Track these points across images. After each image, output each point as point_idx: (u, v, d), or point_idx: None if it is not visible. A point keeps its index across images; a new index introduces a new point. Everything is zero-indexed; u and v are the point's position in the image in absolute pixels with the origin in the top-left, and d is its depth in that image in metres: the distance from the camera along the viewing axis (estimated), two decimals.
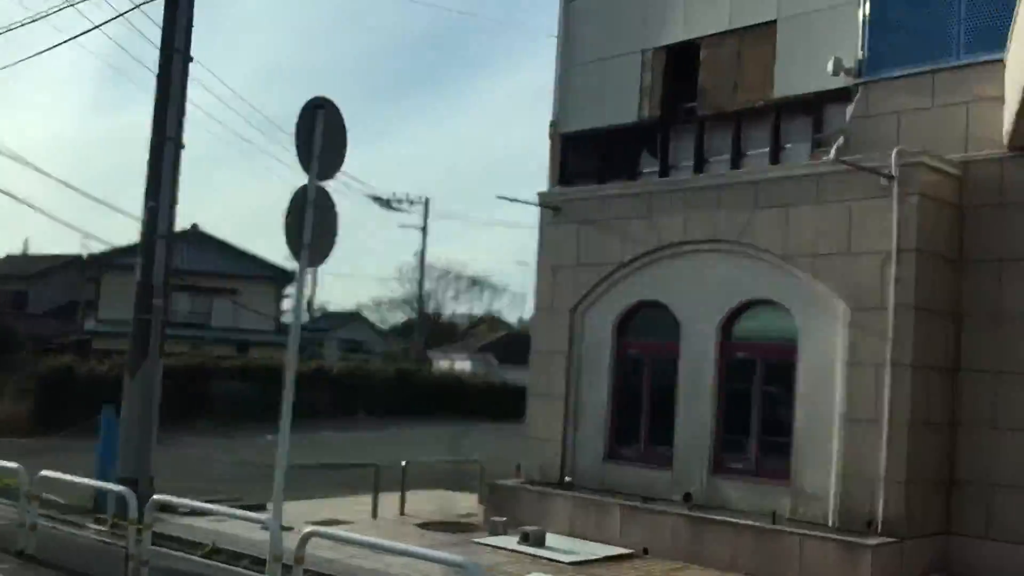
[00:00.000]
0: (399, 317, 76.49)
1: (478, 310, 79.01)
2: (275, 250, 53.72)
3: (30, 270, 51.07)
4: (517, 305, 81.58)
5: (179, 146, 13.41)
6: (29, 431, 24.48)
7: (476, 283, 78.68)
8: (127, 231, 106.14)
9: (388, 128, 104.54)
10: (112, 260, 43.11)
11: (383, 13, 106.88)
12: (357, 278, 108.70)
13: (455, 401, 38.50)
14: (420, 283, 46.80)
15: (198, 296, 44.82)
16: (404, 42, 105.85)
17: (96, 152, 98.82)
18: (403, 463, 14.51)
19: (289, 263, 54.41)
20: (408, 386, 39.30)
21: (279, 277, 46.97)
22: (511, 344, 52.29)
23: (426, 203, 45.69)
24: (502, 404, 37.97)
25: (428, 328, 69.36)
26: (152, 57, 13.06)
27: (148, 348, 13.24)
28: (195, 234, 47.89)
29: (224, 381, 32.43)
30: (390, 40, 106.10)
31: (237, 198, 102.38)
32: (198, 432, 27.88)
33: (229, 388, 32.25)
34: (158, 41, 13.21)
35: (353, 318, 70.45)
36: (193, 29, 13.39)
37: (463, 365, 47.33)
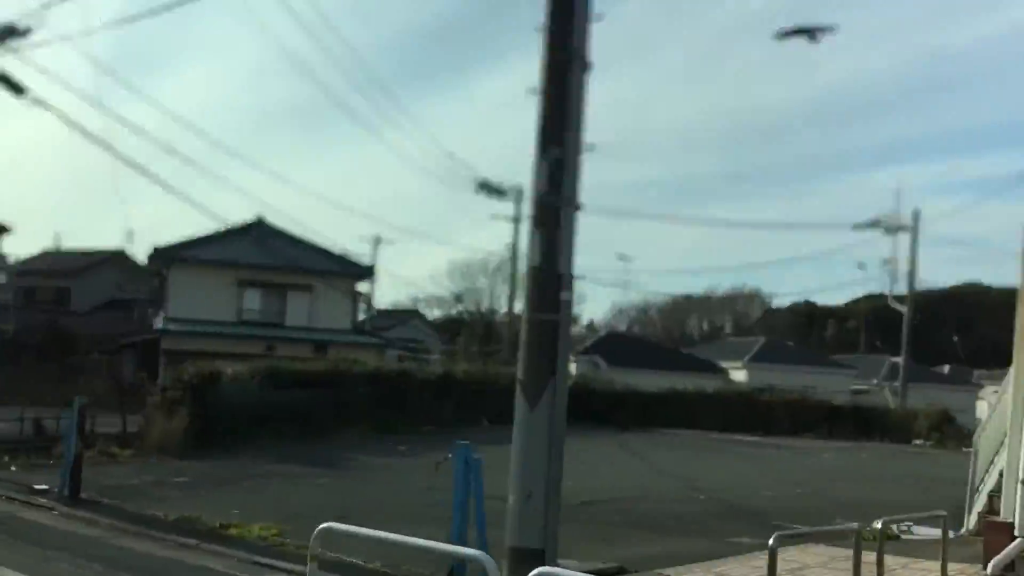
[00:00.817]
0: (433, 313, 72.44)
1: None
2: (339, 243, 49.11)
3: (71, 266, 46.58)
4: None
5: (585, 66, 9.22)
6: (183, 452, 20.04)
7: None
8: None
9: (391, 122, 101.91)
10: (179, 253, 38.67)
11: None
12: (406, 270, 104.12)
13: (577, 407, 34.41)
14: (512, 278, 42.36)
15: (271, 293, 40.42)
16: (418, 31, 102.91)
17: (91, 149, 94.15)
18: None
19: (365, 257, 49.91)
20: None
21: (354, 272, 42.68)
22: (616, 345, 48.46)
23: (519, 191, 41.44)
24: (627, 409, 34.16)
25: (481, 329, 65.33)
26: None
27: (555, 362, 8.98)
28: (261, 226, 43.59)
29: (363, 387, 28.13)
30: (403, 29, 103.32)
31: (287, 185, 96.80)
32: (336, 446, 23.29)
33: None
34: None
35: (410, 316, 65.94)
36: None
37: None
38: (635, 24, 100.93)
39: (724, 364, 46.66)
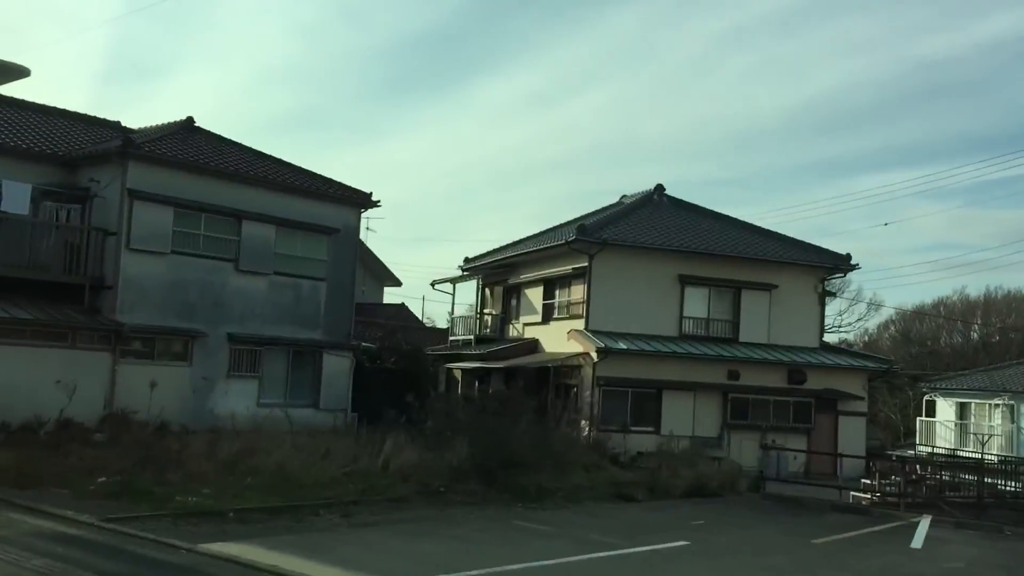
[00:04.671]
0: None
1: None
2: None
3: None
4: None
5: None
6: None
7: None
8: None
9: (388, 129, 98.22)
10: (606, 234, 27.09)
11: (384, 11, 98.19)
12: None
13: None
14: None
15: (722, 295, 28.26)
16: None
17: None
18: None
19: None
20: None
21: (826, 265, 29.90)
22: None
23: None
24: None
25: None
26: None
27: None
28: (661, 196, 31.79)
29: None
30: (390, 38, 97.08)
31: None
32: None
33: None
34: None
35: None
36: None
37: None
38: (629, 33, 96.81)
39: None
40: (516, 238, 34.38)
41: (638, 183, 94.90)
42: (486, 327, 33.23)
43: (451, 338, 35.33)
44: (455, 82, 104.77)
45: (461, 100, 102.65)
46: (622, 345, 25.53)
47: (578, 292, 27.60)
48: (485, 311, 34.03)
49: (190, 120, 25.00)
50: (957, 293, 60.57)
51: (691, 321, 27.74)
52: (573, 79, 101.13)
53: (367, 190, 26.05)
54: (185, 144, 23.48)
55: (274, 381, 23.91)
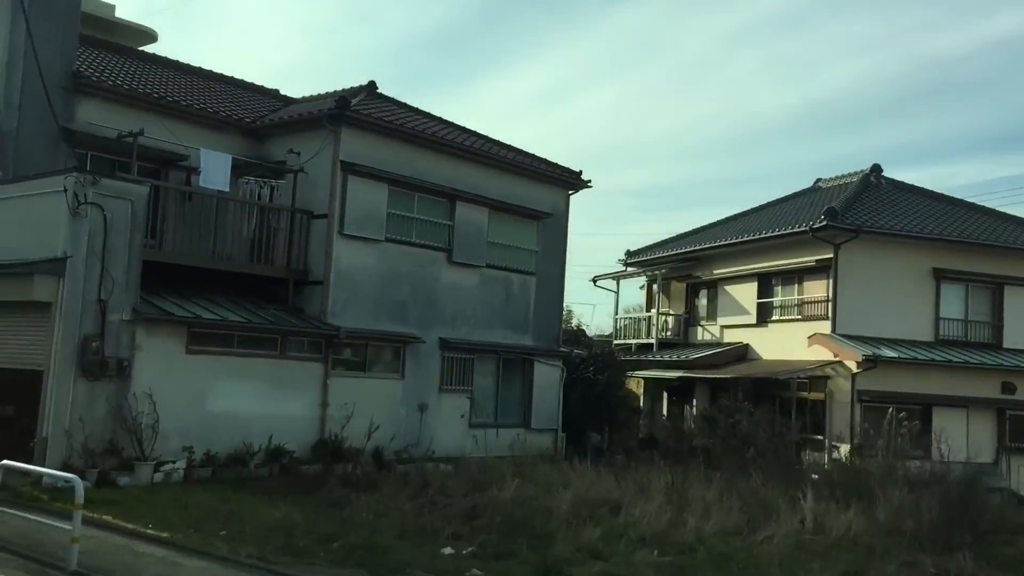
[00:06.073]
0: None
1: None
2: None
3: None
4: None
5: None
6: None
7: None
8: None
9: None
10: (859, 220, 22.77)
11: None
12: None
13: None
14: None
15: (980, 292, 23.95)
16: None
17: None
18: None
19: None
20: None
21: None
22: None
23: None
24: None
25: None
26: None
27: None
28: (890, 186, 27.42)
29: None
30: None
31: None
32: None
33: None
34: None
35: None
36: None
37: None
38: (630, 33, 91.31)
39: None
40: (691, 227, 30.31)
41: (642, 183, 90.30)
42: (667, 330, 29.05)
43: (615, 343, 31.20)
44: (463, 81, 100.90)
45: (468, 99, 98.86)
46: (890, 352, 21.31)
47: (815, 288, 23.37)
48: (660, 311, 29.84)
49: (372, 85, 20.97)
50: None
51: (948, 323, 23.46)
52: (579, 77, 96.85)
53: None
54: (382, 112, 19.47)
55: (484, 396, 19.88)
